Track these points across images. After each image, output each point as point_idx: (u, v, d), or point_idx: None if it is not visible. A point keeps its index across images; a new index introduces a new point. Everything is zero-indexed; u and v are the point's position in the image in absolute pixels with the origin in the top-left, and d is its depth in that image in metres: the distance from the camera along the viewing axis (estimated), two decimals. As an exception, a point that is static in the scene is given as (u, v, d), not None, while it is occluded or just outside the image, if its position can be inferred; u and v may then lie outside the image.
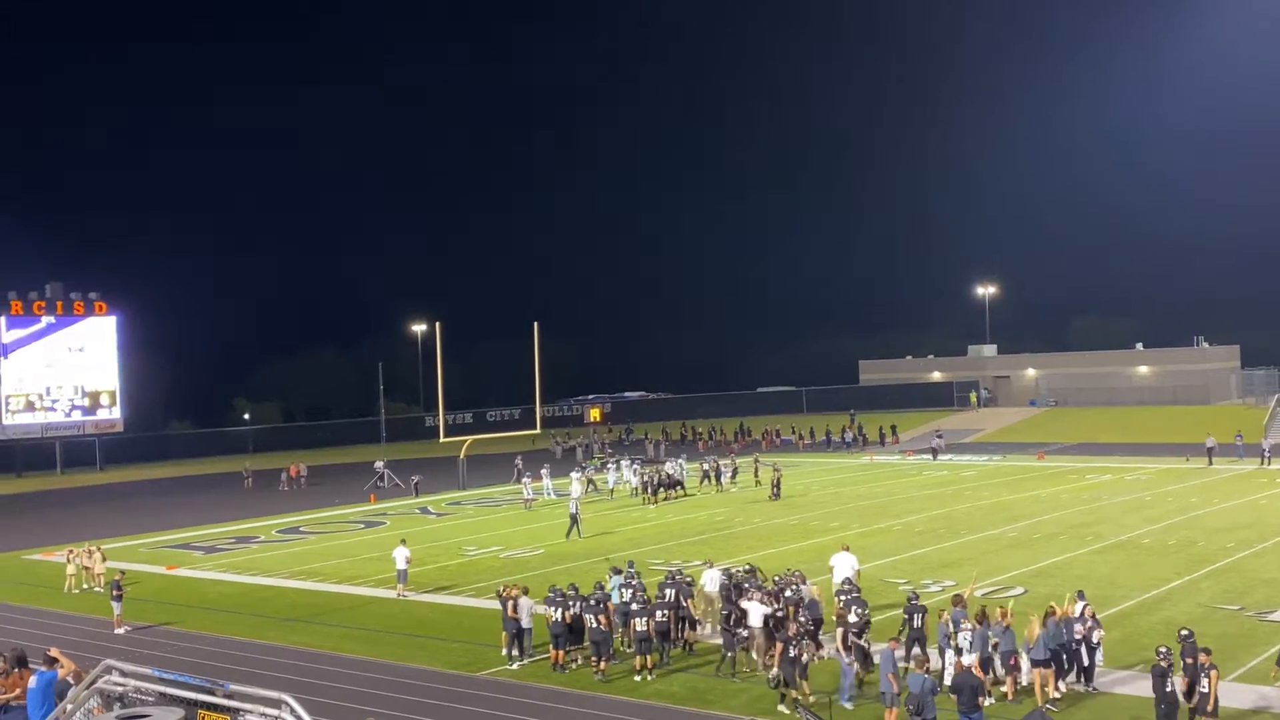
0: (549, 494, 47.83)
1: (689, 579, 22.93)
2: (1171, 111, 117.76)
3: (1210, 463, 52.19)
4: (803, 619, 19.79)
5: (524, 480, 47.21)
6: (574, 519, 37.09)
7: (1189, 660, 16.20)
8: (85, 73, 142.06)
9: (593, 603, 20.77)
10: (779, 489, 44.78)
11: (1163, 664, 15.68)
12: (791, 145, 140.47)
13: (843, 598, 20.71)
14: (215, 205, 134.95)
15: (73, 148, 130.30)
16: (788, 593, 21.21)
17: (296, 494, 56.07)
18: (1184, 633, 17.23)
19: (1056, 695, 17.80)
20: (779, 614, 20.16)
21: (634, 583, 22.27)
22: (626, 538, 36.93)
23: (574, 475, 49.51)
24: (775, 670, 17.99)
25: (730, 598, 21.11)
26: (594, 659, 20.38)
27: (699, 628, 22.33)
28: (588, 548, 34.88)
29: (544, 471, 50.01)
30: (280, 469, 61.89)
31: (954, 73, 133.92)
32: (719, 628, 21.60)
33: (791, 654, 17.83)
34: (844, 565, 23.71)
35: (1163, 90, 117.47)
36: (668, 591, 21.57)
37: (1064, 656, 18.05)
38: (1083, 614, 18.70)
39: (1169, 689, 15.54)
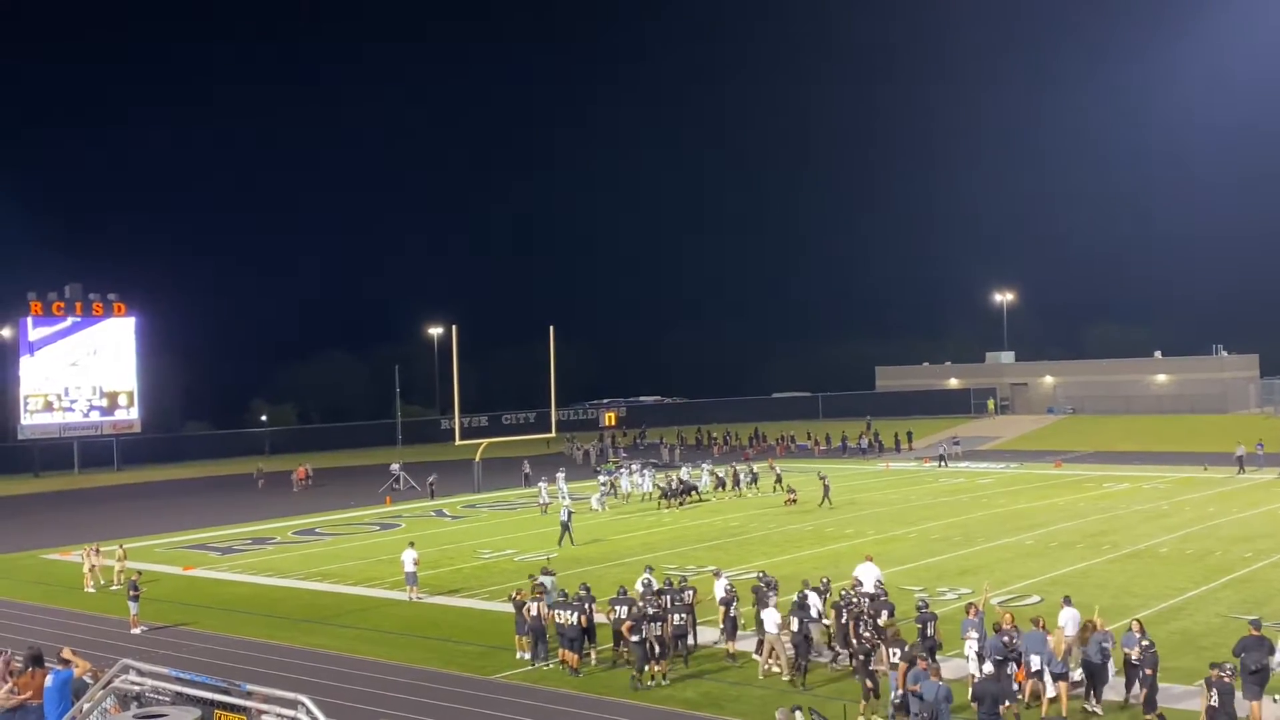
0: (564, 498, 47.83)
1: (691, 588, 22.69)
2: (1193, 118, 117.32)
3: (1241, 470, 51.78)
4: (868, 633, 19.21)
5: (541, 484, 47.23)
6: (565, 526, 36.77)
7: (1148, 671, 16.77)
8: (103, 75, 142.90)
9: (627, 609, 20.60)
10: (828, 496, 44.22)
11: (1226, 679, 15.51)
12: (808, 149, 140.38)
13: (866, 601, 20.63)
14: (234, 207, 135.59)
15: (93, 148, 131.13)
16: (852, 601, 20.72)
17: (305, 495, 56.32)
18: (1145, 644, 17.27)
19: (1099, 713, 17.63)
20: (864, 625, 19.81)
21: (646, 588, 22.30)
22: (641, 542, 36.91)
23: (600, 479, 49.90)
24: (900, 691, 16.98)
25: (801, 603, 20.72)
26: (643, 663, 20.02)
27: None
28: (603, 552, 34.90)
29: (560, 475, 50.08)
30: (293, 470, 62.51)
31: (974, 77, 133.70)
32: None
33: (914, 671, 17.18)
34: (868, 576, 23.58)
35: (1185, 96, 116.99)
36: (666, 598, 21.47)
37: (1093, 672, 17.78)
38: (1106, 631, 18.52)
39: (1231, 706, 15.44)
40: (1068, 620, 19.06)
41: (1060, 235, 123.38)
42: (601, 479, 50.45)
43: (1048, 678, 17.83)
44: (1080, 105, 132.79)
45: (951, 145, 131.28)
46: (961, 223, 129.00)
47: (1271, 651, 17.14)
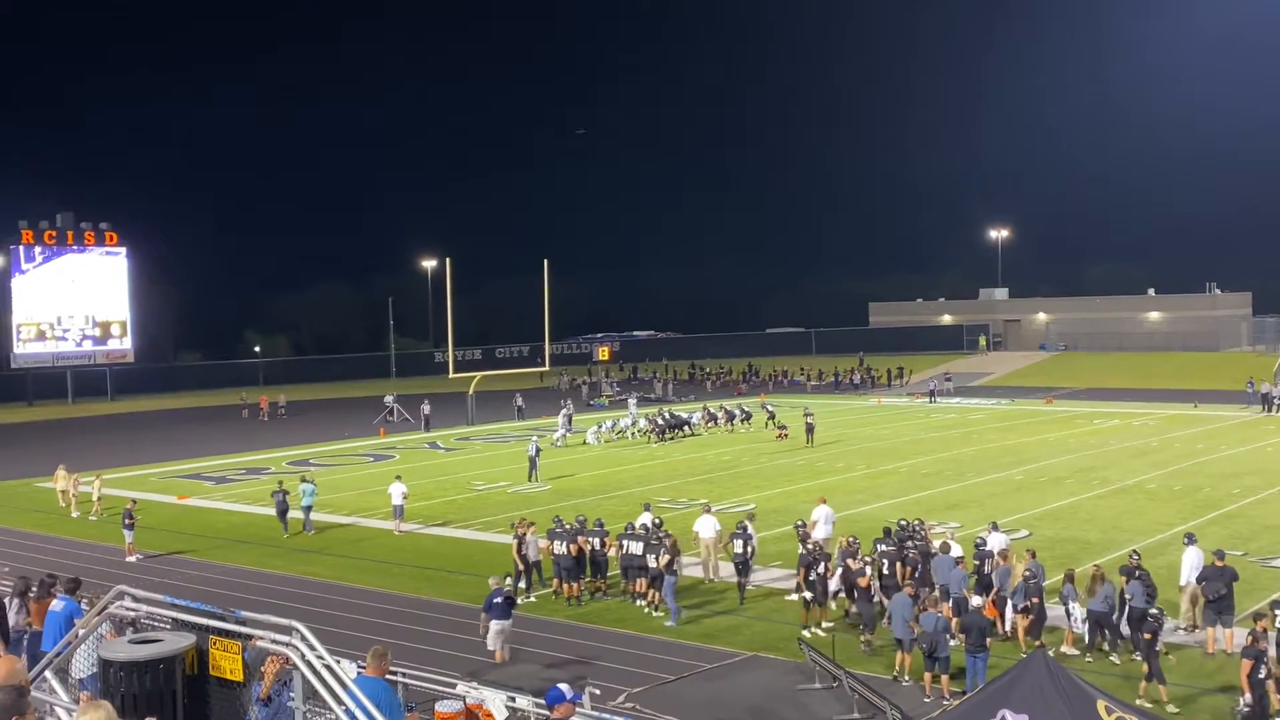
0: (566, 431, 47.99)
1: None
2: (1190, 54, 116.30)
3: (1270, 409, 51.25)
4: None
5: (561, 417, 48.10)
6: (532, 461, 36.45)
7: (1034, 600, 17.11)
8: (96, 5, 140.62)
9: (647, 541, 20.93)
10: (812, 434, 43.78)
11: None
12: (803, 83, 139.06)
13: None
14: (228, 138, 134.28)
15: (87, 78, 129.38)
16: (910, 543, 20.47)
17: (282, 425, 56.84)
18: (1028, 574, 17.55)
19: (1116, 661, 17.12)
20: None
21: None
22: (633, 475, 37.10)
23: (634, 409, 50.44)
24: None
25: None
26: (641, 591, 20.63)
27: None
28: (596, 484, 35.08)
29: (564, 412, 50.23)
30: (289, 400, 62.99)
31: (971, 9, 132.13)
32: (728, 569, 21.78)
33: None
34: (821, 516, 23.39)
35: (1182, 33, 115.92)
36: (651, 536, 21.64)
37: (1111, 619, 17.28)
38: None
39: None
40: (995, 544, 19.39)
41: (1057, 173, 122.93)
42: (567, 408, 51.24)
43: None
44: (1084, 44, 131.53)
45: (955, 83, 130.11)
46: (959, 159, 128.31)
47: (1235, 579, 17.44)
